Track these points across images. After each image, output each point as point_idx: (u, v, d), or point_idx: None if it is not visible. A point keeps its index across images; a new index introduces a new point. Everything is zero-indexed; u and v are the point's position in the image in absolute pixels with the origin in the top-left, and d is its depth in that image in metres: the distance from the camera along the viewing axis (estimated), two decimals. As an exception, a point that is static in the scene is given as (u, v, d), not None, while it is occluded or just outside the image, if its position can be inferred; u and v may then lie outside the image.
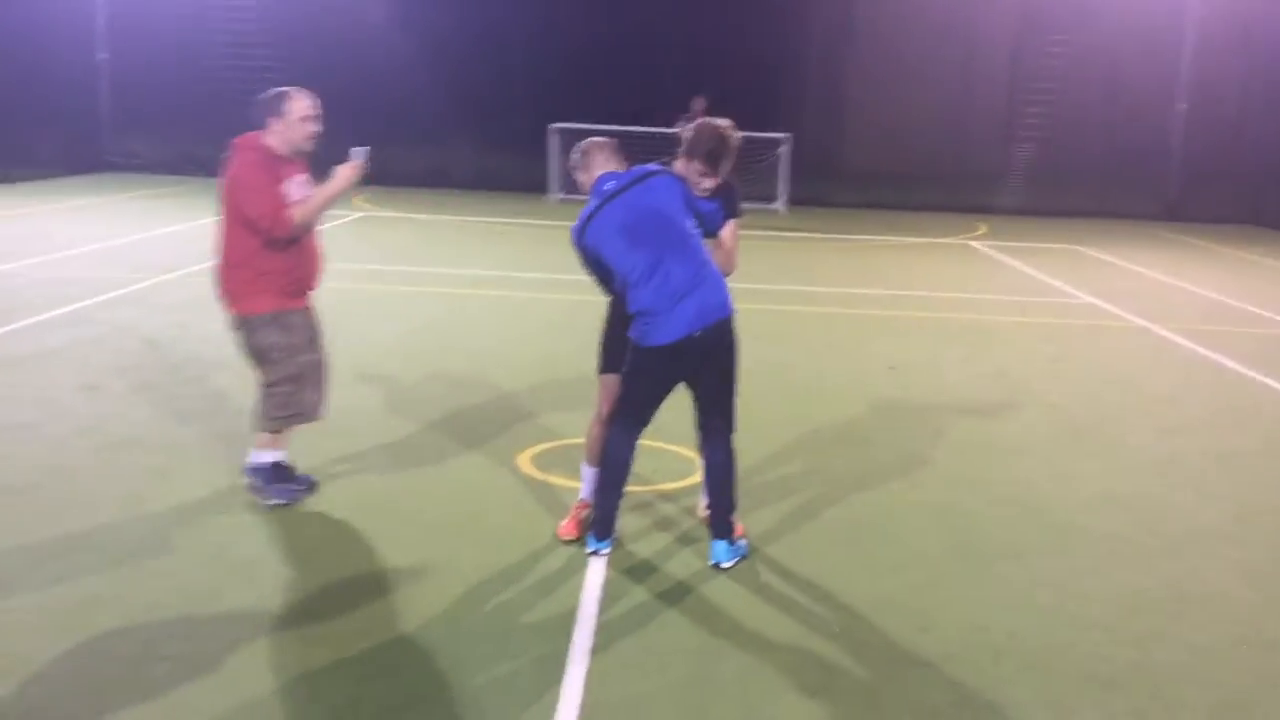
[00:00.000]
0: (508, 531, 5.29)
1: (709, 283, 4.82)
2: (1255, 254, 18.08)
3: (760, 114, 27.58)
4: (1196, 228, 22.06)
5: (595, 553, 5.00)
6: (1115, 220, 22.70)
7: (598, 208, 4.87)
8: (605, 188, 4.90)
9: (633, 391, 4.99)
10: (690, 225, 4.89)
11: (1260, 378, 9.15)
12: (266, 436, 5.47)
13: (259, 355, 5.39)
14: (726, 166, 5.05)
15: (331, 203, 5.38)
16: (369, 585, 4.67)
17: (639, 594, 4.69)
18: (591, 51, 27.13)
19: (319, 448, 6.28)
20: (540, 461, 6.30)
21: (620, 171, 4.98)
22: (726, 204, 5.18)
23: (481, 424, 6.96)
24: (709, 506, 5.08)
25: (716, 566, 4.95)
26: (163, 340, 8.76)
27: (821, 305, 11.80)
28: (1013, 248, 17.49)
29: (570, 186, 21.94)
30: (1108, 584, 4.99)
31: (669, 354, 4.81)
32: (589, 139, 5.15)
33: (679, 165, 5.10)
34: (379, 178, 22.65)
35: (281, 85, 5.42)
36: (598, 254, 4.88)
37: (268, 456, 5.48)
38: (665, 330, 4.76)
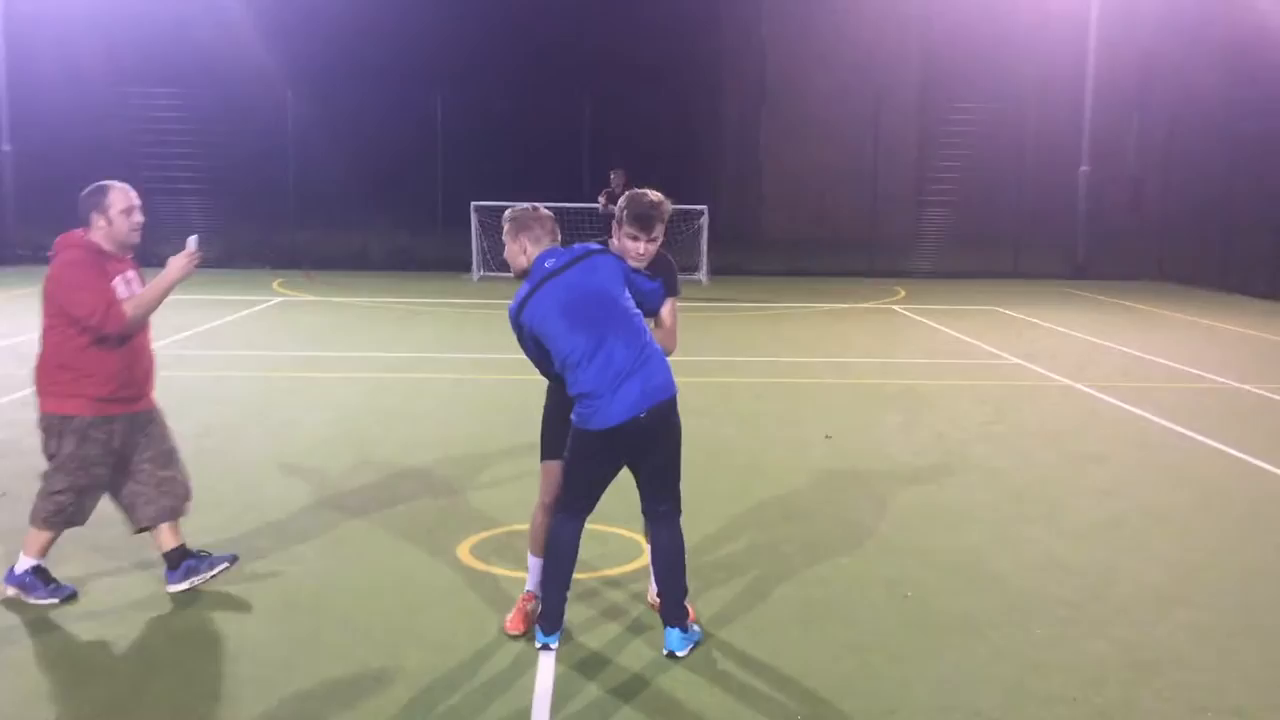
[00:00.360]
0: (451, 629, 5.06)
1: (652, 363, 4.72)
2: (1163, 309, 18.55)
3: (677, 185, 27.87)
4: (1105, 285, 22.62)
5: (545, 647, 4.80)
6: (1027, 281, 23.19)
7: (536, 286, 4.75)
8: (545, 265, 4.79)
9: (576, 477, 4.84)
10: (632, 305, 4.80)
11: (1185, 431, 9.28)
12: (36, 536, 5.23)
13: (52, 457, 5.21)
14: (659, 230, 4.97)
15: (165, 295, 5.18)
16: (305, 698, 4.41)
17: (592, 690, 4.50)
18: (512, 130, 27.28)
19: (247, 545, 6.01)
20: (480, 551, 6.09)
21: (559, 249, 4.87)
22: (666, 281, 5.10)
23: (416, 514, 6.74)
24: (660, 593, 4.92)
25: (671, 655, 4.78)
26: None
27: (751, 375, 11.78)
28: (933, 310, 17.73)
29: (492, 265, 21.84)
30: (1066, 654, 4.92)
31: (613, 437, 4.68)
32: (522, 207, 5.01)
33: (613, 238, 5.02)
34: (295, 261, 22.74)
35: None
36: (536, 334, 4.75)
37: (28, 563, 5.25)
38: (608, 413, 4.63)
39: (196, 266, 5.18)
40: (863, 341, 14.34)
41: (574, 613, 5.13)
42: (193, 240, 5.18)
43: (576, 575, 5.00)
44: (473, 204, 21.62)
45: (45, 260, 5.41)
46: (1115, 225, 26.22)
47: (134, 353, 5.25)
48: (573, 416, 4.77)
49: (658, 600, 4.97)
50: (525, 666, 4.68)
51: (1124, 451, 8.66)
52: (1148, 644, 5.04)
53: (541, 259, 4.83)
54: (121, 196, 5.18)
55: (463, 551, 6.08)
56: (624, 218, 4.95)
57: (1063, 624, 5.24)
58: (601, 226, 19.51)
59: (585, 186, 23.30)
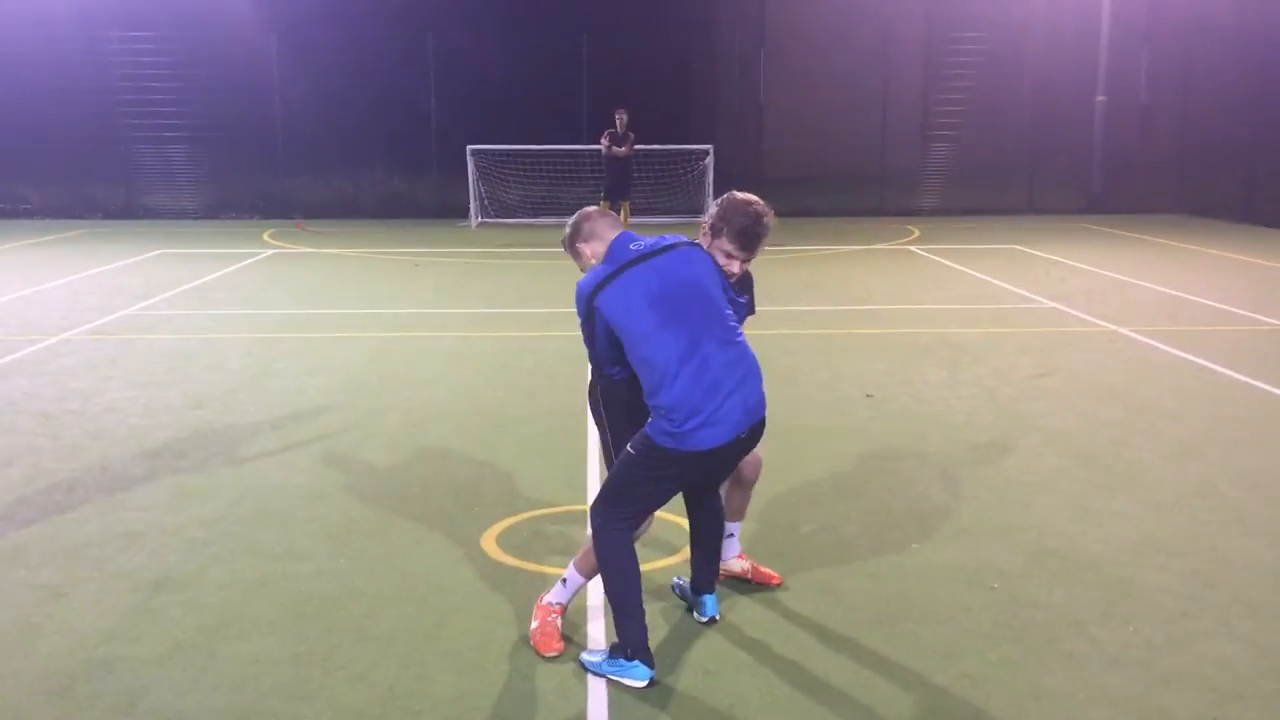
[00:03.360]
0: (483, 641, 4.42)
1: (753, 375, 4.12)
2: (1191, 244, 17.83)
3: (679, 125, 27.05)
4: (1122, 219, 21.88)
5: (652, 682, 4.06)
6: (1042, 216, 22.44)
7: (620, 268, 4.05)
8: (630, 247, 4.10)
9: (648, 496, 4.16)
10: (727, 305, 4.16)
11: (1253, 381, 8.63)
12: None
13: None
14: (760, 251, 4.31)
15: None
16: (322, 734, 3.78)
17: (647, 712, 3.87)
18: (508, 70, 26.33)
19: (247, 539, 5.36)
20: (508, 542, 5.43)
21: (638, 236, 4.21)
22: (750, 299, 4.49)
23: (433, 499, 6.07)
24: (704, 568, 4.57)
25: (712, 620, 4.52)
26: (61, 415, 7.71)
27: (777, 327, 11.07)
28: (952, 250, 17.01)
29: (490, 211, 21.06)
30: (1189, 660, 4.29)
31: (705, 459, 4.03)
32: (583, 211, 4.40)
33: (702, 242, 4.33)
34: (285, 211, 21.93)
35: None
36: (613, 322, 4.04)
37: None
38: (707, 436, 3.96)
39: None
40: (885, 287, 13.63)
41: (602, 624, 4.48)
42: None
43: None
44: (468, 148, 20.78)
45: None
46: (1131, 157, 25.39)
47: None
48: (651, 429, 4.05)
49: (746, 566, 4.88)
50: (572, 689, 4.04)
51: (1193, 406, 8.00)
52: (1278, 647, 4.41)
53: (624, 239, 4.15)
54: None
55: (488, 543, 5.42)
56: (725, 231, 4.23)
57: (1176, 619, 4.61)
58: (604, 169, 18.73)
59: (585, 128, 22.42)
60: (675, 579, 4.85)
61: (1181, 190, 23.40)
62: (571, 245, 4.35)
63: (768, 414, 4.25)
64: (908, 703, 3.94)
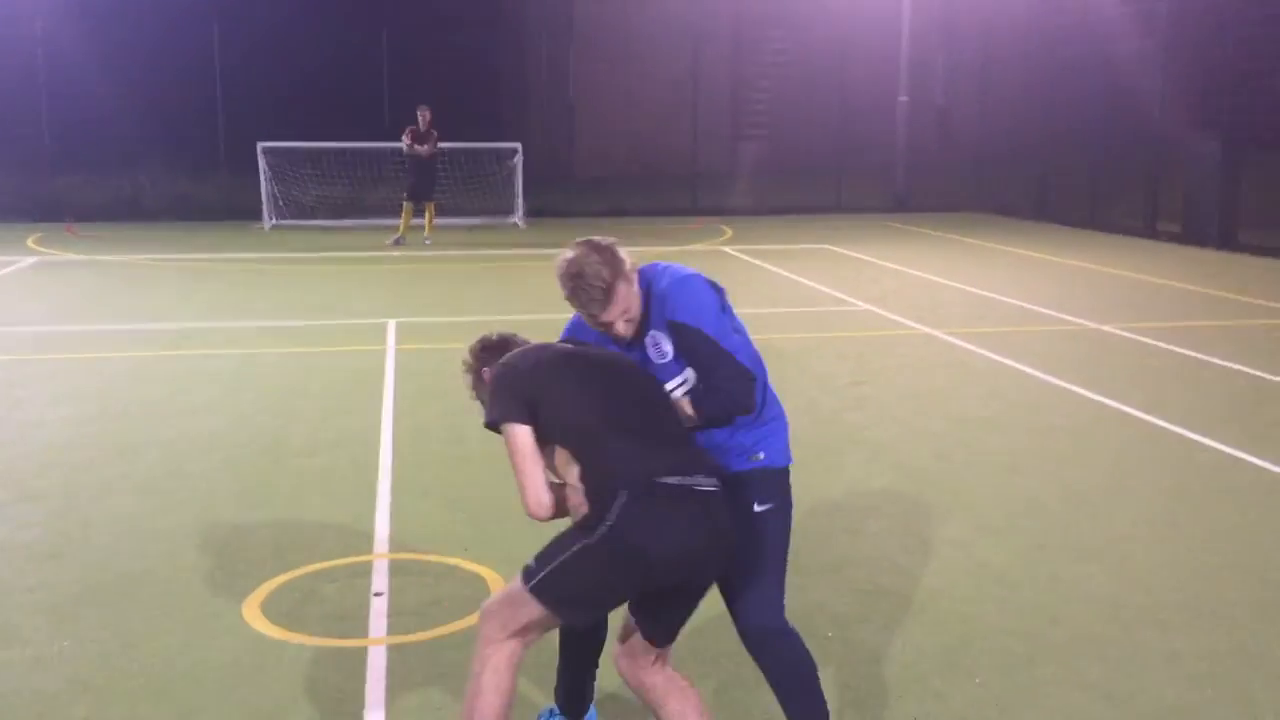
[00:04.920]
0: (233, 745, 3.66)
1: None
2: (992, 242, 18.15)
3: (488, 124, 26.22)
4: (926, 217, 22.24)
5: None
6: (850, 215, 22.60)
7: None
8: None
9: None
10: None
11: (1067, 385, 8.50)
12: None
13: None
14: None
15: None
16: None
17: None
18: (302, 65, 25.00)
19: (-54, 627, 4.42)
20: (275, 609, 4.64)
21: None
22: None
23: (186, 554, 5.22)
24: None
25: None
26: None
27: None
28: (765, 250, 16.82)
29: (285, 213, 19.85)
30: (1041, 715, 3.88)
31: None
32: (591, 242, 3.37)
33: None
34: (55, 213, 20.11)
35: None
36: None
37: None
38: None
39: None
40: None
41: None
42: None
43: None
44: (260, 145, 19.48)
45: None
46: (933, 156, 25.96)
47: None
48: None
49: None
50: (341, 805, 3.33)
51: (1012, 414, 7.79)
52: (1134, 689, 4.05)
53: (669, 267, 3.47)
54: None
55: (251, 610, 4.63)
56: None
57: (1023, 666, 4.21)
58: (407, 169, 17.81)
59: (387, 125, 21.38)
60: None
61: (980, 189, 23.99)
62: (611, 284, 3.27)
63: None
64: None
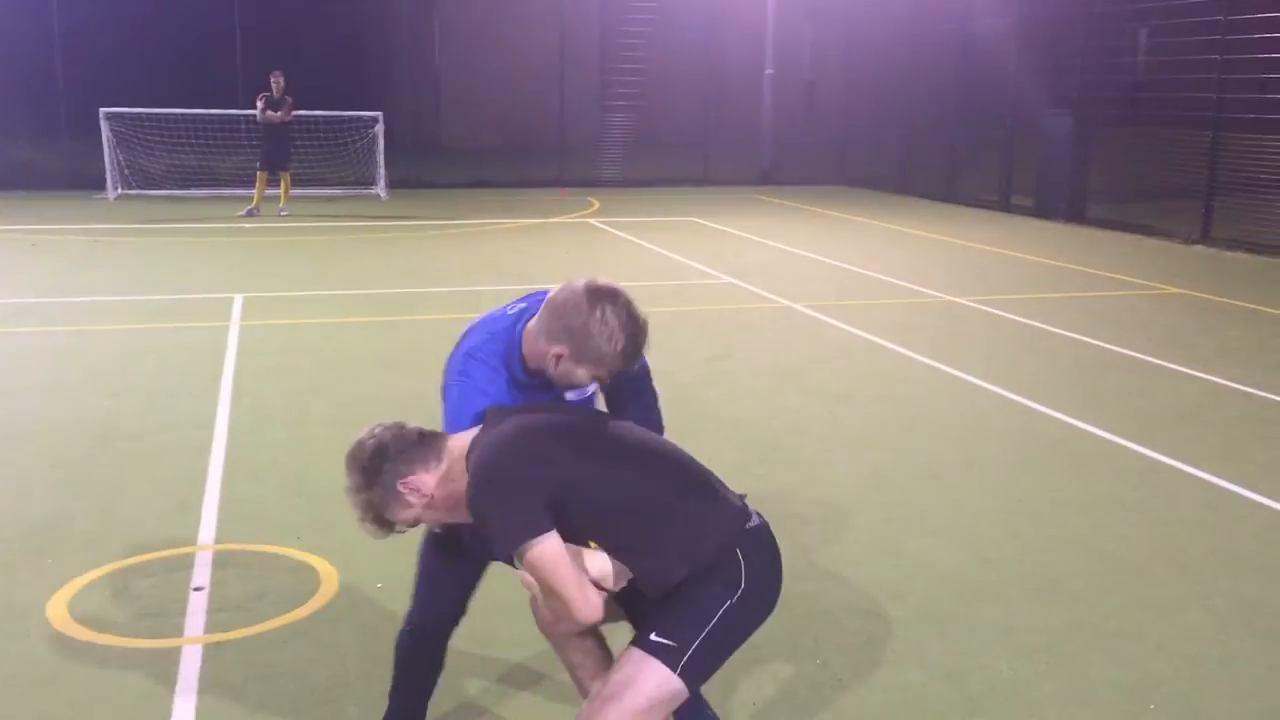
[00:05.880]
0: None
1: None
2: (855, 215, 18.36)
3: (348, 91, 25.46)
4: (792, 190, 22.42)
5: None
6: (717, 188, 22.63)
7: None
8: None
9: None
10: None
11: (919, 357, 8.58)
12: None
13: None
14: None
15: None
16: None
17: None
18: (147, 29, 23.89)
19: None
20: (83, 606, 4.32)
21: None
22: None
23: (-7, 548, 4.85)
24: None
25: None
26: None
27: (443, 310, 10.21)
28: (630, 223, 16.69)
29: (131, 182, 18.96)
30: (880, 695, 3.84)
31: None
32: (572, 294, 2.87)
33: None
34: None
35: None
36: None
37: None
38: None
39: None
40: (562, 263, 13.03)
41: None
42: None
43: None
44: (102, 110, 18.51)
45: None
46: (798, 130, 26.16)
47: None
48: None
49: None
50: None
51: (866, 386, 7.82)
52: (972, 665, 4.04)
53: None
54: None
55: (56, 608, 4.30)
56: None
57: (862, 646, 4.16)
58: (261, 135, 17.14)
59: (240, 92, 20.55)
60: None
61: (845, 162, 24.27)
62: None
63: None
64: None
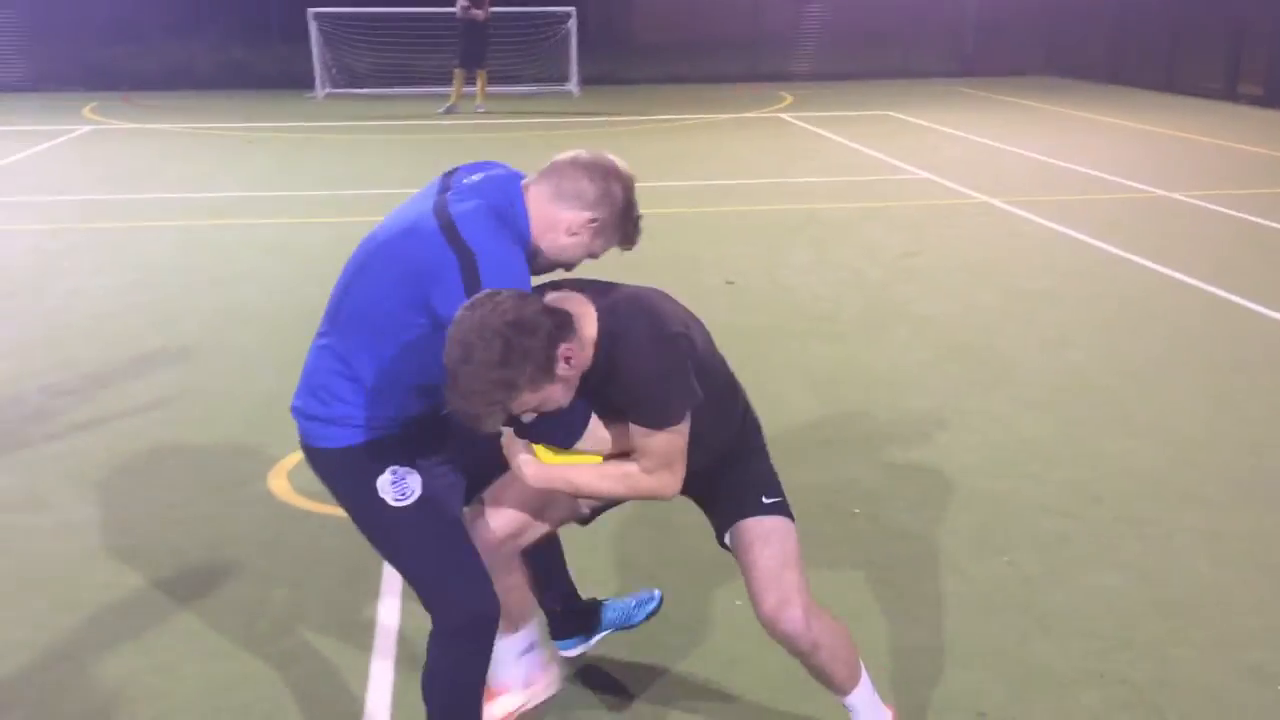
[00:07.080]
0: (249, 617, 3.67)
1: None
2: (1062, 106, 17.45)
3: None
4: (994, 81, 21.46)
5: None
6: (915, 80, 21.85)
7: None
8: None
9: None
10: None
11: (1126, 255, 8.18)
12: None
13: None
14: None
15: None
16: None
17: None
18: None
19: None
20: (300, 479, 4.64)
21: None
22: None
23: (219, 423, 5.24)
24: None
25: None
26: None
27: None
28: (824, 118, 16.32)
29: (339, 81, 19.62)
30: (1072, 596, 3.77)
31: None
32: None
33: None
34: (112, 83, 20.07)
35: None
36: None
37: None
38: None
39: None
40: (755, 159, 12.90)
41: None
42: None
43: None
44: (310, 11, 19.16)
45: None
46: (1002, 17, 24.88)
47: None
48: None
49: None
50: (352, 685, 3.34)
51: (1067, 285, 7.52)
52: (1170, 568, 3.92)
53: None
54: None
55: (277, 479, 4.64)
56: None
57: (1054, 546, 4.08)
58: (460, 32, 17.39)
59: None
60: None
61: (1052, 51, 23.02)
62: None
63: None
64: (755, 661, 3.34)
